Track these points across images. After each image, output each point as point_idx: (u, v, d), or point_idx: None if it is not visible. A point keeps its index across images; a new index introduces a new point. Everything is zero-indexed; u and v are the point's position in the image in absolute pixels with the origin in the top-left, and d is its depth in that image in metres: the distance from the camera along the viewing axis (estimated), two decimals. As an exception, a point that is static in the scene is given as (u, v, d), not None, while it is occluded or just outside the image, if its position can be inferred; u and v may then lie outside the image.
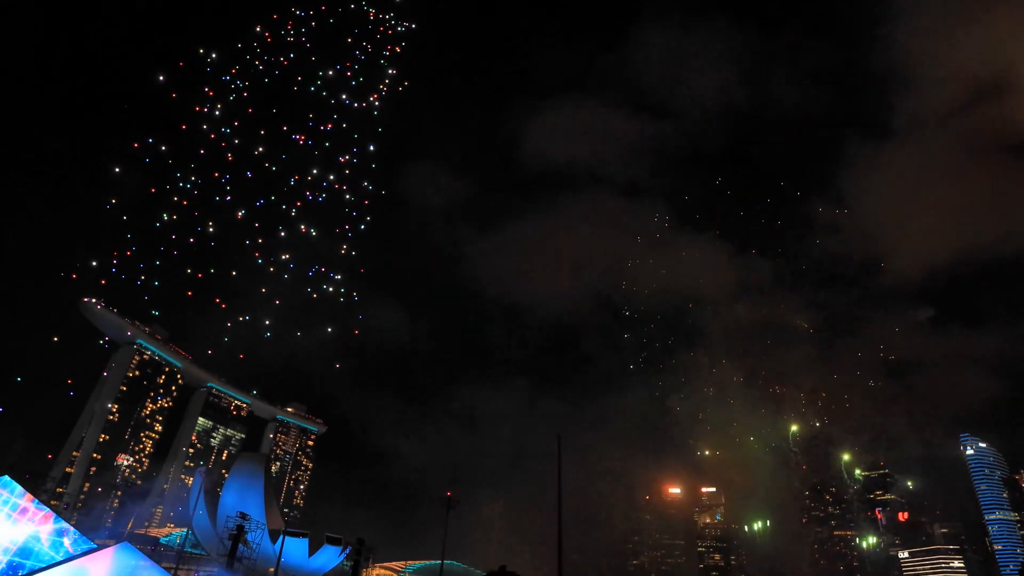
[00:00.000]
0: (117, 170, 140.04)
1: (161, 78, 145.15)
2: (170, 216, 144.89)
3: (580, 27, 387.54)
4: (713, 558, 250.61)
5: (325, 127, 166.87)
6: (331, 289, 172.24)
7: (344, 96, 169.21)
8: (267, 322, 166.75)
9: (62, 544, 44.31)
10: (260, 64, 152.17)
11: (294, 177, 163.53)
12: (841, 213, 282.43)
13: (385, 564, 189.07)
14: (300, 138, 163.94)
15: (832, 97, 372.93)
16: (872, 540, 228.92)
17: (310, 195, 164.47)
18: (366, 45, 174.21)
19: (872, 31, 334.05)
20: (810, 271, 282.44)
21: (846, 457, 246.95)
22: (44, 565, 42.38)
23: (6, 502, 44.52)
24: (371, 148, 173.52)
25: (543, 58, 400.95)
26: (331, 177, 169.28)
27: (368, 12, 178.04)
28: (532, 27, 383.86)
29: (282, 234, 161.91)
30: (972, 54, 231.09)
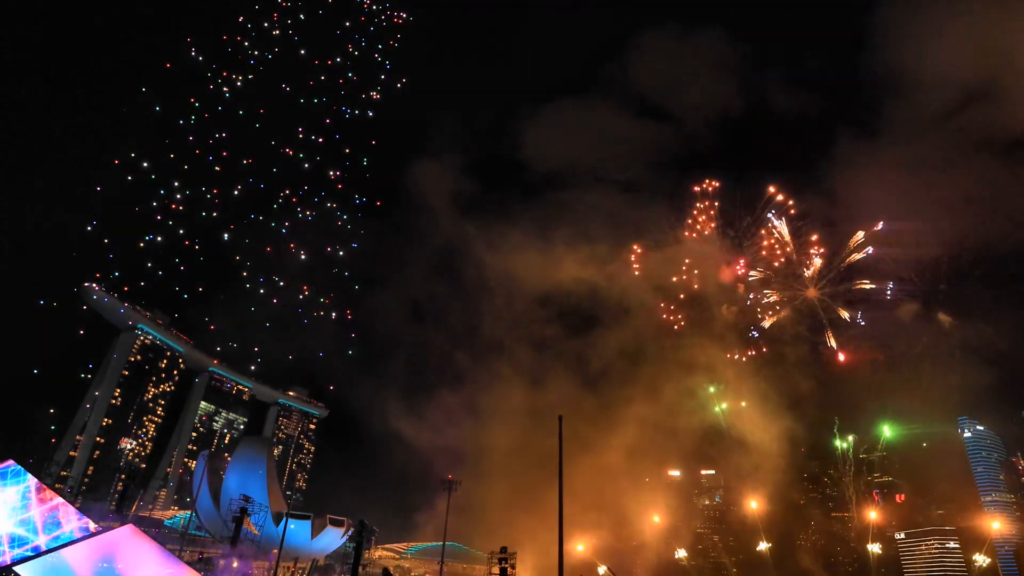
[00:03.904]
0: (99, 189, 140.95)
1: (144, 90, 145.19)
2: (167, 202, 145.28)
3: (580, 34, 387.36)
4: (712, 539, 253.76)
5: (317, 138, 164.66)
6: (323, 313, 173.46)
7: (338, 94, 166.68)
8: (269, 310, 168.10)
9: (68, 527, 44.76)
10: (249, 60, 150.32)
11: (292, 198, 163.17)
12: (834, 211, 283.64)
13: (387, 546, 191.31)
14: (288, 151, 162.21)
15: (824, 102, 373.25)
16: (869, 522, 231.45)
17: (300, 211, 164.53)
18: (359, 38, 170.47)
19: (862, 39, 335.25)
20: (804, 265, 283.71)
21: (844, 441, 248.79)
22: (50, 548, 42.90)
23: (11, 486, 44.91)
24: (365, 158, 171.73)
25: (543, 64, 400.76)
26: (323, 194, 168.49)
27: (361, 2, 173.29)
28: (530, 33, 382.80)
29: (269, 251, 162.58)
30: (960, 61, 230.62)
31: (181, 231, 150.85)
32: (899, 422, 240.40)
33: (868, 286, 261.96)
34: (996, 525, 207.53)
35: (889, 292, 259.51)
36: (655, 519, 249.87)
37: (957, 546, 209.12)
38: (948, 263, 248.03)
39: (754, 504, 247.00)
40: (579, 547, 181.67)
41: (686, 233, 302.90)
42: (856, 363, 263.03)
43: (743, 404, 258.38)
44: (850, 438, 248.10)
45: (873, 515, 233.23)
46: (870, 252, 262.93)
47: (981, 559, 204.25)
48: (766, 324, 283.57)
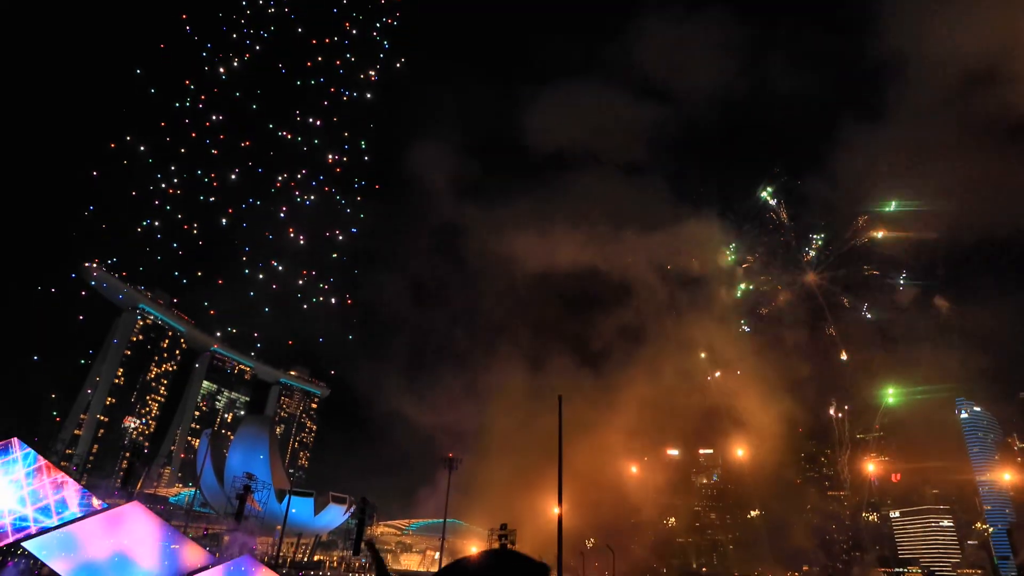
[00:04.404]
0: (95, 173, 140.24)
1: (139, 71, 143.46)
2: (165, 186, 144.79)
3: (581, 16, 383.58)
4: (709, 517, 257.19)
5: (315, 120, 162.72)
6: (322, 299, 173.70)
7: (336, 75, 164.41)
8: (270, 290, 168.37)
9: (73, 503, 45.52)
10: (245, 40, 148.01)
11: (291, 182, 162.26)
12: (835, 192, 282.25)
13: (389, 523, 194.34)
14: (286, 135, 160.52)
15: (827, 82, 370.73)
16: (864, 500, 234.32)
17: (299, 195, 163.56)
18: (356, 15, 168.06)
19: (867, 19, 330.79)
20: (804, 247, 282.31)
21: (842, 420, 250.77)
22: (56, 524, 43.65)
23: (17, 464, 45.58)
24: (362, 145, 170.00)
25: (544, 45, 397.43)
26: (321, 178, 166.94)
27: None
28: (532, 14, 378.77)
29: (270, 237, 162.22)
30: (965, 43, 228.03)
31: (179, 215, 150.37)
32: (898, 398, 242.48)
33: (872, 272, 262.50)
34: (1007, 476, 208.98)
35: (890, 278, 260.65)
36: (632, 470, 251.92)
37: (951, 524, 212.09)
38: (948, 247, 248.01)
39: (740, 452, 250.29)
40: (555, 510, 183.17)
41: (687, 215, 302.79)
42: (855, 346, 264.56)
43: (739, 378, 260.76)
44: (846, 407, 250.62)
45: (869, 494, 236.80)
46: (871, 237, 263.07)
47: (984, 527, 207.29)
48: (764, 309, 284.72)
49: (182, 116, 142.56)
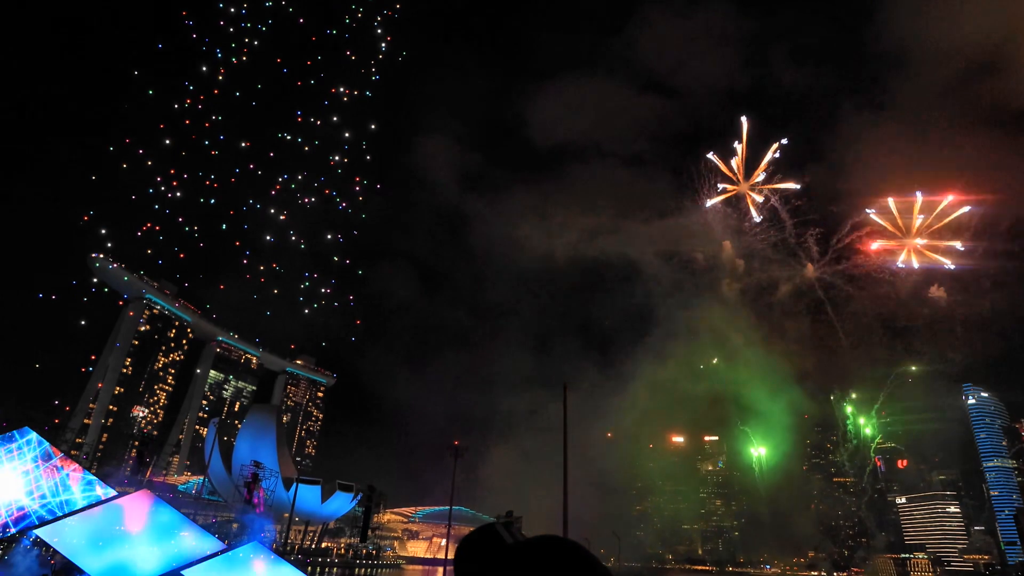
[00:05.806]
0: (94, 178, 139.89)
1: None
2: (174, 175, 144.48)
3: (584, 10, 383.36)
4: (714, 503, 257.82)
5: (316, 120, 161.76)
6: (324, 302, 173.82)
7: (337, 72, 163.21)
8: (275, 287, 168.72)
9: (84, 492, 45.68)
10: (244, 38, 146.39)
11: (292, 183, 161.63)
12: (837, 182, 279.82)
13: (396, 510, 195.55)
14: (286, 136, 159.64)
15: (829, 75, 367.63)
16: (870, 486, 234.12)
17: (299, 197, 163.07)
18: (356, 8, 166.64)
19: (870, 11, 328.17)
20: (807, 236, 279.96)
21: (848, 406, 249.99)
22: (67, 512, 43.68)
23: (28, 453, 45.71)
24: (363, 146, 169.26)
25: (546, 40, 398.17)
26: (323, 178, 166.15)
27: None
28: (533, 9, 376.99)
29: (269, 239, 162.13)
30: (966, 34, 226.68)
31: (180, 218, 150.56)
32: (904, 389, 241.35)
33: (875, 261, 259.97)
34: (996, 490, 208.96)
35: (894, 267, 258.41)
36: (608, 435, 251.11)
37: (957, 511, 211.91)
38: (953, 235, 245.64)
39: (746, 441, 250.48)
40: (560, 495, 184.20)
41: (687, 208, 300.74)
42: (860, 334, 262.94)
43: (745, 367, 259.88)
44: (853, 395, 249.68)
45: (874, 481, 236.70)
46: (875, 227, 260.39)
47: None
48: (769, 299, 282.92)
49: (183, 116, 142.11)
